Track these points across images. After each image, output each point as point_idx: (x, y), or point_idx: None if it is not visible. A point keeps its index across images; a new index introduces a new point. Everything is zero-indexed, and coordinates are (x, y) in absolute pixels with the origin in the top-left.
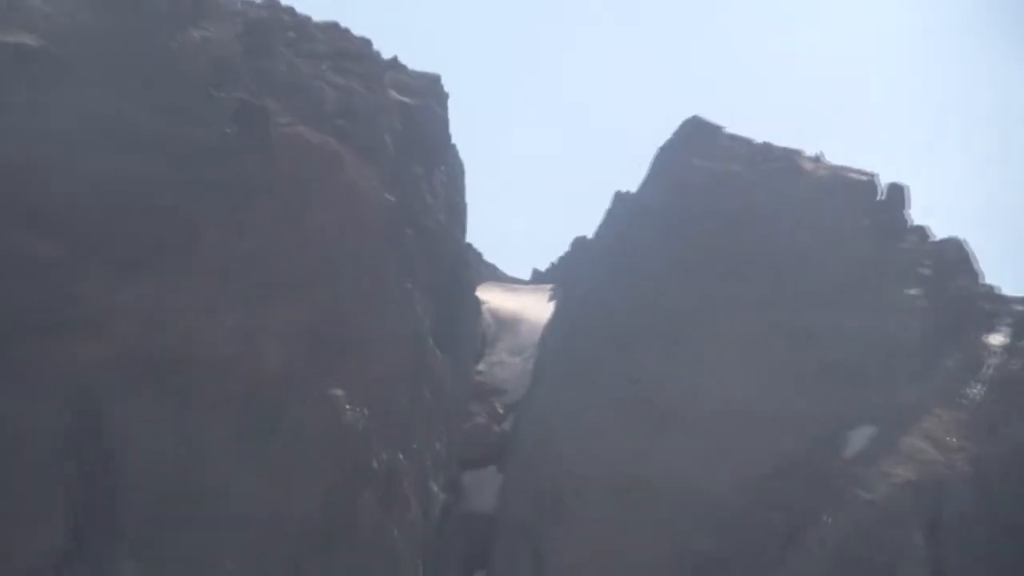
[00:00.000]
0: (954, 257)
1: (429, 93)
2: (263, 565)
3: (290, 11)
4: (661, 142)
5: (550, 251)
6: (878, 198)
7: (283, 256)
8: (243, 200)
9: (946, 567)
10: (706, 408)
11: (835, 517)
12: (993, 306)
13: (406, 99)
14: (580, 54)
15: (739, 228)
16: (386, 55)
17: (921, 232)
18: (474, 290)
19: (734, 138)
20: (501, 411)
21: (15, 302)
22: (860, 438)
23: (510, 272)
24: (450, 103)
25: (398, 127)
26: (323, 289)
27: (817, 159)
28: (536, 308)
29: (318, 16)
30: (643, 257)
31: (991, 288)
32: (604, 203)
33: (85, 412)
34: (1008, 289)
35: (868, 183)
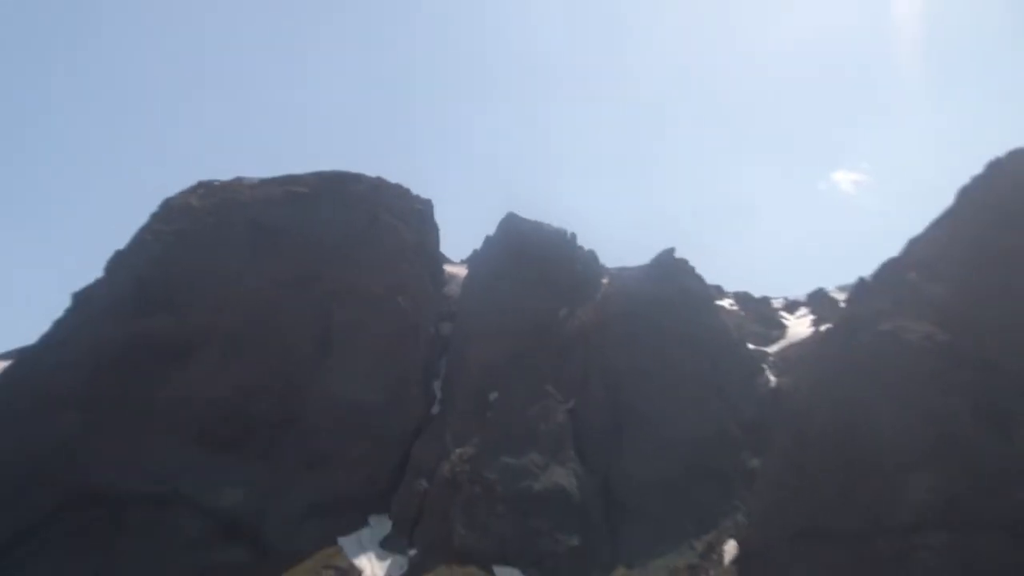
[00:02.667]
0: (589, 257)
1: (427, 204)
2: (389, 361)
3: (383, 180)
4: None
5: (466, 251)
6: (567, 237)
7: (386, 258)
8: (370, 240)
9: (603, 354)
10: (517, 297)
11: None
12: (600, 268)
13: (420, 207)
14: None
15: (527, 253)
16: (415, 191)
17: (585, 251)
18: (442, 265)
19: (523, 218)
20: (453, 305)
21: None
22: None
23: (454, 259)
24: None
25: (418, 215)
26: (397, 268)
27: (550, 225)
28: (463, 271)
29: (392, 177)
30: (493, 261)
31: (602, 267)
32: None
33: (323, 315)
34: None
35: (562, 231)
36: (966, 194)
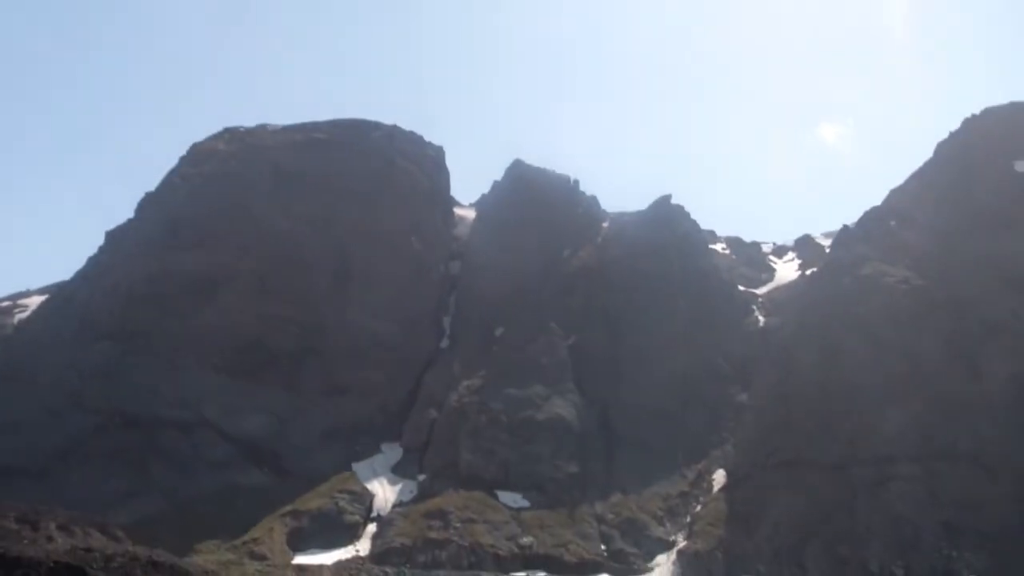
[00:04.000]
0: (591, 202)
1: (439, 151)
2: (402, 297)
3: (398, 127)
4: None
5: (475, 195)
6: (571, 183)
7: (400, 201)
8: (385, 183)
9: (603, 293)
10: (522, 239)
11: None
12: (601, 213)
13: (432, 154)
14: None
15: (532, 198)
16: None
17: (587, 196)
18: (453, 208)
19: (529, 165)
20: (462, 246)
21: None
22: None
23: (464, 203)
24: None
25: (431, 161)
26: (410, 210)
27: (555, 171)
28: (472, 214)
29: (406, 125)
30: (500, 204)
31: (602, 212)
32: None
33: (341, 253)
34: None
35: (566, 177)
36: (942, 148)
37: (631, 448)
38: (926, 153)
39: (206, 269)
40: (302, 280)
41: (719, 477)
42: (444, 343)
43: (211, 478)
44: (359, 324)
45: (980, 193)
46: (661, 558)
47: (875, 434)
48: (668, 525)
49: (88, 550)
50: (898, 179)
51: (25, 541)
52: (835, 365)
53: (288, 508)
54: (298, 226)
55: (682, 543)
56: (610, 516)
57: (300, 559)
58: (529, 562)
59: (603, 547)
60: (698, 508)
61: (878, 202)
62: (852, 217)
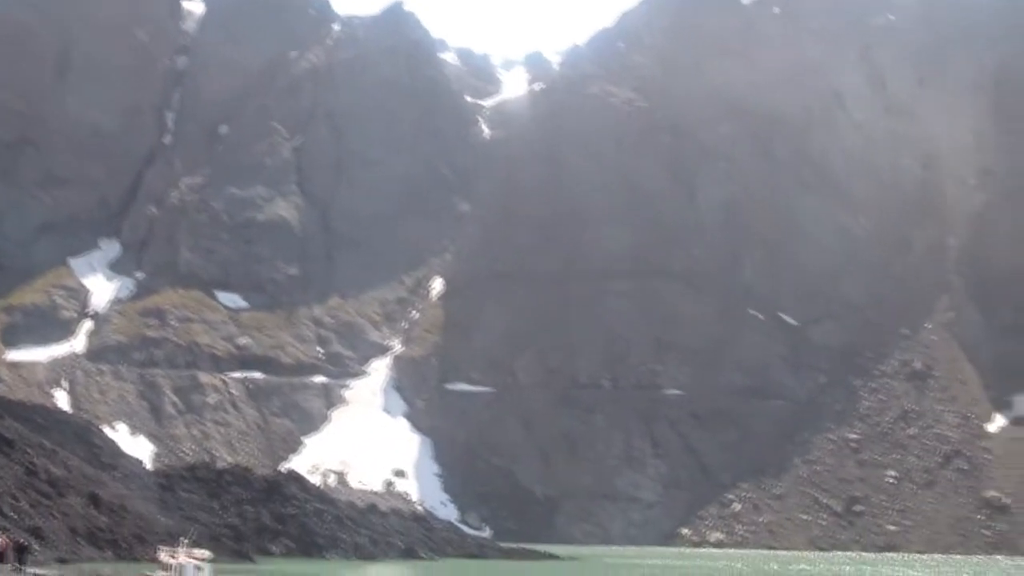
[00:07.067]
0: (322, 3)
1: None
2: (125, 89)
3: None
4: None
5: None
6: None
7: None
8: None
9: (330, 96)
10: (250, 36)
11: None
12: (332, 15)
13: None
14: None
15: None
16: None
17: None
18: (180, 1)
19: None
20: (189, 40)
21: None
22: None
23: None
24: None
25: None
26: (136, 1)
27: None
28: (201, 8)
29: None
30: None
31: (334, 14)
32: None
33: (64, 41)
34: None
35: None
36: None
37: (352, 252)
38: None
39: None
40: (23, 68)
41: (438, 285)
42: (167, 139)
43: None
44: (79, 115)
45: (706, 22)
46: (377, 363)
47: (593, 251)
48: (385, 330)
49: None
50: (630, 2)
51: None
52: (558, 181)
53: (1, 303)
54: (20, 12)
55: (398, 348)
56: (328, 319)
57: (13, 355)
58: (246, 363)
59: (320, 350)
60: (415, 314)
61: (610, 23)
62: (583, 37)
